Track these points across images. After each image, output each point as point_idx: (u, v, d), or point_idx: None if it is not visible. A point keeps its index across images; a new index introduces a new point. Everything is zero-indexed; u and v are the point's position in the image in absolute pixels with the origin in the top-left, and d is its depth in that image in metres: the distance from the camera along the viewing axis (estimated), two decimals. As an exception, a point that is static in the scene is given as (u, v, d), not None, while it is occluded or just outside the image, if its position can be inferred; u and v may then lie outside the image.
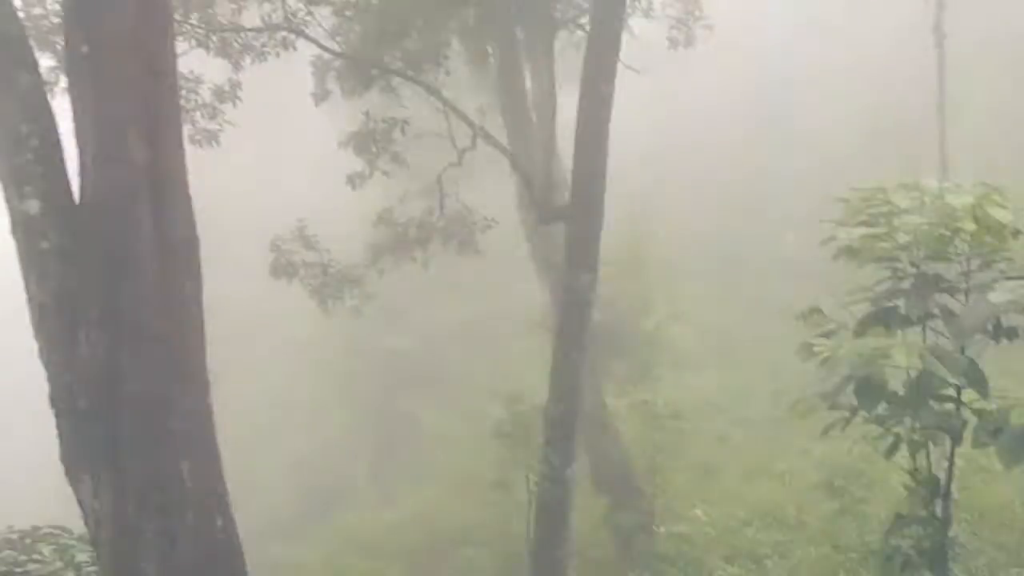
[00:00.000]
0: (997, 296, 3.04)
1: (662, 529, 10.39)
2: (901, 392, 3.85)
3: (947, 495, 4.02)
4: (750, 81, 23.61)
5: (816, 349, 3.67)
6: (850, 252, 3.99)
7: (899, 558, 4.00)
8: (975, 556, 7.13)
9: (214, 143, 10.05)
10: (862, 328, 3.86)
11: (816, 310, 4.10)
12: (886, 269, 3.99)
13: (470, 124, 9.14)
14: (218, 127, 10.05)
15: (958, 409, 3.73)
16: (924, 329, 3.83)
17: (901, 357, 3.19)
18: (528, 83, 10.84)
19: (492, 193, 13.28)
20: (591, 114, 7.97)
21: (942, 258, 3.79)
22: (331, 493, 19.81)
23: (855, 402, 3.70)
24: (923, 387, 3.47)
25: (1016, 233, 3.71)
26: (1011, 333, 3.66)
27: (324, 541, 16.59)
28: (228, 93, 9.89)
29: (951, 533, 4.17)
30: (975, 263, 3.79)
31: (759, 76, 23.50)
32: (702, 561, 10.14)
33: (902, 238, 3.82)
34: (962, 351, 3.70)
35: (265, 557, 14.25)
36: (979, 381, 3.38)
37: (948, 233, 3.67)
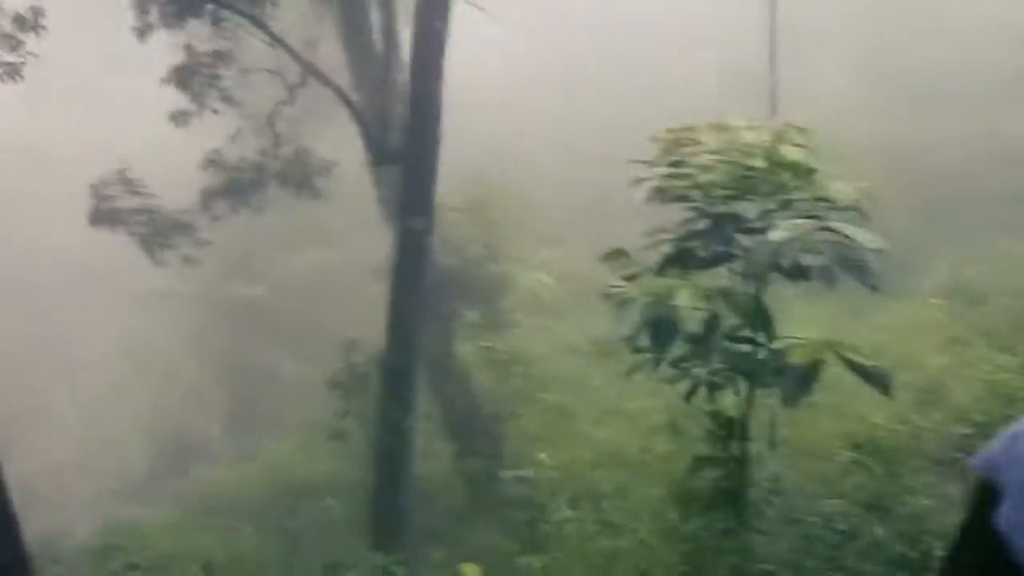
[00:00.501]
0: (777, 234, 2.95)
1: (507, 474, 10.37)
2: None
3: (745, 436, 4.01)
4: (611, 19, 23.60)
5: (611, 292, 3.55)
6: (658, 193, 3.88)
7: (699, 500, 4.00)
8: (789, 493, 7.36)
9: (17, 77, 9.10)
10: (661, 270, 3.76)
11: (620, 252, 3.98)
12: (691, 209, 3.90)
13: (297, 58, 8.60)
14: (20, 60, 9.10)
15: (755, 350, 3.70)
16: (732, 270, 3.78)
17: (684, 298, 3.10)
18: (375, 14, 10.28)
19: (342, 134, 12.80)
20: (424, 52, 7.62)
21: (741, 197, 3.72)
22: (186, 449, 19.06)
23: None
24: (712, 328, 3.40)
25: (809, 172, 3.67)
26: (802, 273, 3.64)
27: (179, 499, 15.99)
28: (29, 22, 8.95)
29: (758, 473, 4.19)
30: (776, 202, 3.75)
31: (620, 14, 23.52)
32: (546, 505, 10.20)
33: (702, 177, 3.73)
34: (756, 292, 3.67)
35: (117, 520, 13.56)
36: (765, 322, 3.33)
37: (742, 171, 3.59)
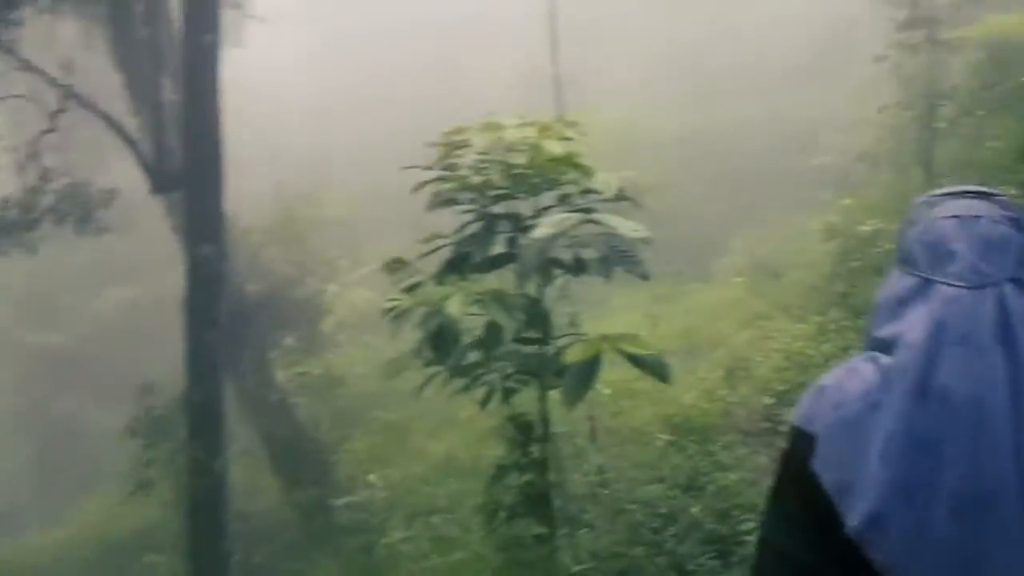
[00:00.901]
0: (540, 231, 2.86)
1: (339, 501, 10.01)
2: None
3: (546, 437, 3.91)
4: (420, 24, 23.52)
5: (387, 305, 3.35)
6: (436, 197, 3.72)
7: (503, 510, 3.87)
8: (615, 483, 7.45)
9: None
10: (441, 277, 3.61)
11: (399, 261, 3.80)
12: (468, 212, 3.78)
13: (53, 83, 7.88)
14: None
15: (538, 350, 3.61)
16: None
17: (454, 305, 2.95)
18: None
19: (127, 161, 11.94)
20: (195, 68, 7.16)
21: (514, 196, 3.62)
22: (-11, 520, 17.35)
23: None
24: (494, 333, 3.28)
25: (577, 165, 3.62)
26: (581, 267, 3.58)
27: (-14, 580, 14.42)
28: None
29: (553, 477, 4.11)
30: (553, 199, 3.69)
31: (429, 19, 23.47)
32: (383, 527, 9.91)
33: (474, 179, 3.61)
34: (538, 290, 3.58)
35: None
36: (541, 321, 3.24)
37: (511, 169, 3.50)
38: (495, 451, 9.60)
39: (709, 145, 19.39)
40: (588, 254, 3.35)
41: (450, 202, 3.50)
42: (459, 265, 3.54)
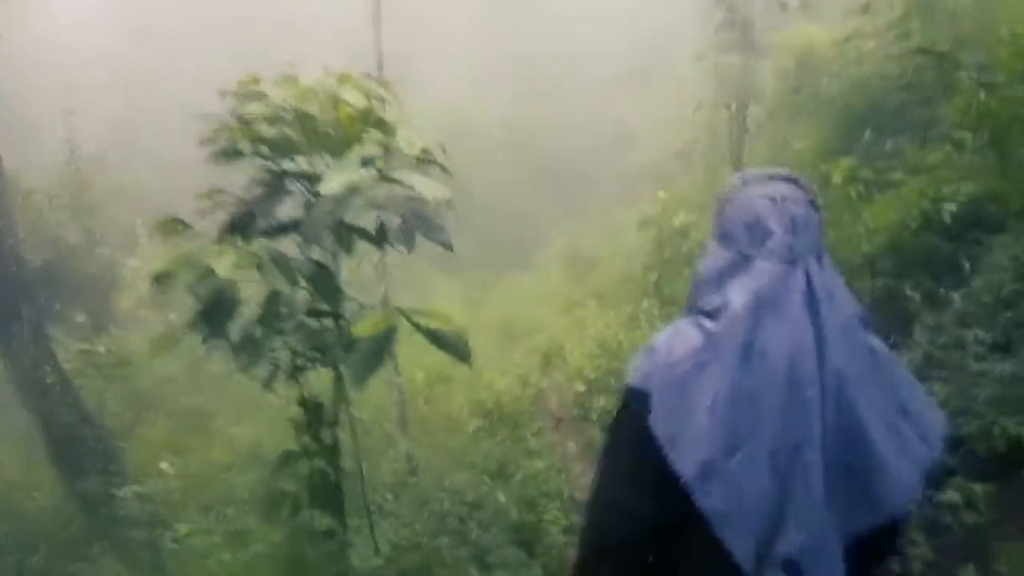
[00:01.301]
0: (328, 187, 2.53)
1: (124, 492, 9.14)
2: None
3: (337, 421, 3.57)
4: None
5: (152, 267, 2.91)
6: (223, 154, 3.28)
7: (287, 501, 3.50)
8: (424, 471, 7.20)
9: None
10: (221, 240, 3.19)
11: (174, 221, 3.33)
12: (263, 170, 3.36)
13: None
14: None
15: (338, 324, 3.27)
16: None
17: (224, 268, 2.57)
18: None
19: None
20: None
21: (306, 152, 3.24)
22: None
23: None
24: (274, 304, 2.92)
25: (381, 122, 3.30)
26: (381, 235, 3.27)
27: None
28: None
29: (349, 465, 3.78)
30: (356, 159, 3.34)
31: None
32: (175, 518, 9.17)
33: (266, 132, 3.20)
34: (330, 259, 3.24)
35: None
36: (330, 291, 2.91)
37: (308, 123, 3.13)
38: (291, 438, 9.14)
39: (533, 140, 19.56)
40: (388, 219, 3.05)
41: (235, 155, 3.09)
42: (243, 228, 3.13)
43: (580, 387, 8.28)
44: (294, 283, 2.68)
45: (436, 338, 2.74)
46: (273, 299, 2.85)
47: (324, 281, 2.90)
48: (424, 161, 3.36)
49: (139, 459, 10.79)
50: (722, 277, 1.56)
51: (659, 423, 1.43)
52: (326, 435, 3.50)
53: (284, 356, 3.43)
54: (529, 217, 17.59)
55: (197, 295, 2.82)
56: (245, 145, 3.02)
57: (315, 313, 3.14)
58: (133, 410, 11.86)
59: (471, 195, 18.62)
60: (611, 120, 18.32)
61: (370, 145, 3.07)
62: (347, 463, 4.17)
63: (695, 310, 1.57)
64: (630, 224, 12.01)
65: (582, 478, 6.44)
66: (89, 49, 21.82)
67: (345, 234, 3.31)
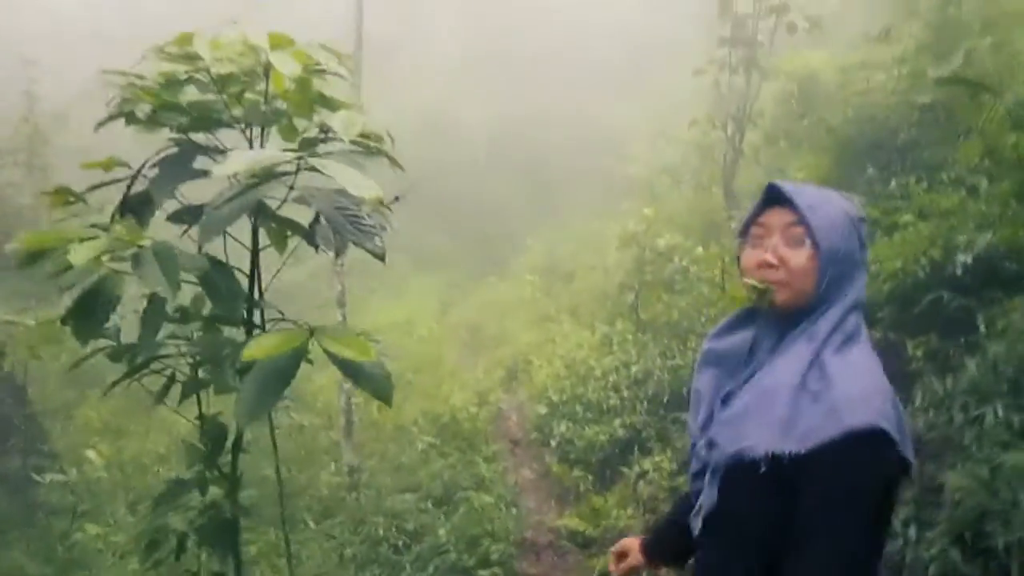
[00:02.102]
0: (225, 167, 1.97)
1: (46, 477, 8.50)
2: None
3: (239, 447, 3.00)
4: None
5: (10, 246, 2.34)
6: (127, 118, 2.69)
7: (171, 540, 2.92)
8: (366, 487, 6.63)
9: None
10: (113, 221, 2.62)
11: (65, 191, 2.77)
12: (174, 142, 2.79)
13: None
14: None
15: (217, 337, 2.72)
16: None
17: (79, 255, 2.02)
18: None
19: None
20: None
21: (220, 124, 2.67)
22: None
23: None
24: (155, 305, 2.35)
25: (321, 98, 2.75)
26: (305, 232, 2.72)
27: None
28: None
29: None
30: (289, 137, 2.77)
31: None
32: (100, 510, 8.53)
33: (176, 96, 2.64)
34: (254, 254, 2.69)
35: None
36: (225, 295, 2.35)
37: (218, 85, 2.57)
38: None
39: (518, 139, 19.03)
40: (311, 215, 2.50)
41: (133, 120, 2.52)
42: (140, 208, 2.56)
43: (542, 409, 7.73)
44: (172, 282, 2.11)
45: (352, 372, 2.19)
46: (157, 301, 2.28)
47: (219, 282, 2.33)
48: (372, 151, 2.80)
49: (71, 442, 10.15)
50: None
51: (906, 450, 1.49)
52: (226, 462, 2.93)
53: (179, 365, 2.88)
54: (510, 220, 17.06)
55: (61, 286, 2.25)
56: (142, 108, 2.44)
57: (217, 321, 2.58)
58: (76, 387, 11.20)
59: (453, 193, 18.16)
60: (601, 127, 17.84)
61: (303, 123, 2.51)
62: (257, 491, 3.63)
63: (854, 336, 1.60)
64: (611, 238, 11.53)
65: (533, 516, 5.90)
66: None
67: (274, 228, 2.76)
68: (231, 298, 2.36)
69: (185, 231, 2.74)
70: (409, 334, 11.57)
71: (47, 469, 9.27)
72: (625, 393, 7.02)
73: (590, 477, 6.17)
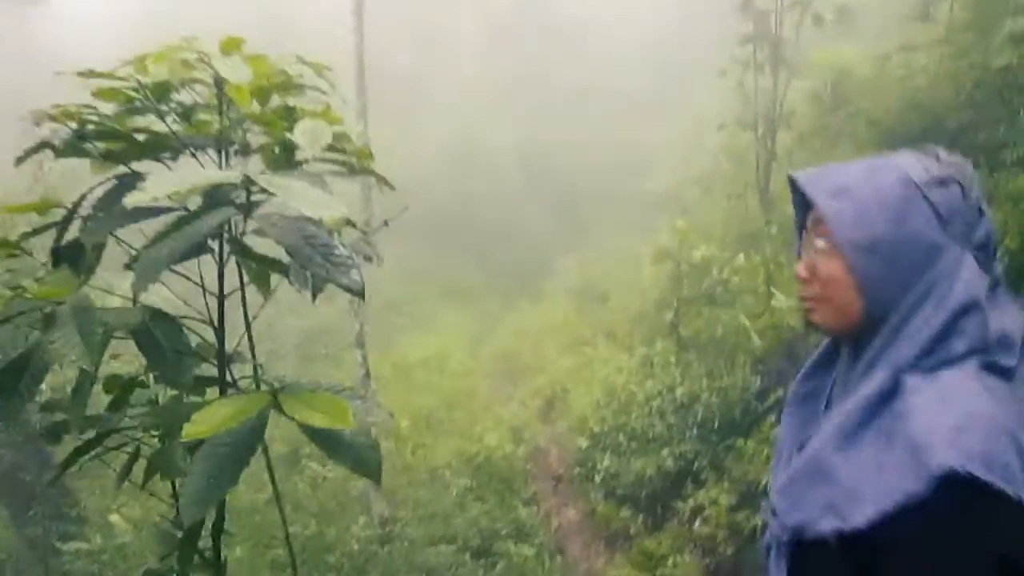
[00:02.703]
0: (136, 195, 1.53)
1: (68, 547, 8.14)
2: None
3: (219, 528, 2.55)
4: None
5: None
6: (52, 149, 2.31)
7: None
8: (399, 539, 6.16)
9: None
10: (49, 275, 2.22)
11: (3, 242, 2.36)
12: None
13: None
14: None
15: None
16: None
17: None
18: None
19: None
20: None
21: (178, 148, 2.25)
22: None
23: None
24: (84, 375, 1.92)
25: (286, 111, 2.33)
26: (279, 267, 2.30)
27: None
28: None
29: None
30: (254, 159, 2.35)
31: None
32: (124, 577, 8.15)
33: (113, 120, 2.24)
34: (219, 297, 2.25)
35: None
36: (171, 353, 1.91)
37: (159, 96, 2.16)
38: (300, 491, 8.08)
39: (547, 164, 18.72)
40: (278, 248, 2.05)
41: (75, 152, 2.12)
42: (74, 258, 2.14)
43: (583, 442, 7.21)
44: (92, 345, 1.67)
45: (326, 444, 1.73)
46: (84, 370, 1.84)
47: (160, 338, 1.89)
48: (359, 170, 2.37)
49: (98, 505, 9.81)
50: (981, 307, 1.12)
51: None
52: (207, 548, 2.47)
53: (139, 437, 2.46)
54: (540, 244, 16.65)
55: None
56: (61, 136, 2.03)
57: (166, 384, 2.14)
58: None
59: (482, 221, 17.81)
60: (629, 147, 17.42)
61: (254, 137, 2.08)
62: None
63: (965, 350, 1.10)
64: (644, 255, 11.04)
65: (580, 565, 5.38)
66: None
67: (244, 262, 2.33)
68: (175, 358, 1.91)
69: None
70: (440, 369, 11.13)
71: (73, 535, 8.93)
72: (671, 419, 6.50)
73: (640, 516, 5.64)
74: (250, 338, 2.57)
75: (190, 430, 1.61)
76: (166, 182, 1.61)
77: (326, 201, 1.69)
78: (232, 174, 1.73)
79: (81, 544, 8.02)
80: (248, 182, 1.70)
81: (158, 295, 2.29)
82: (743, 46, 9.38)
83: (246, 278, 2.42)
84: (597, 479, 6.51)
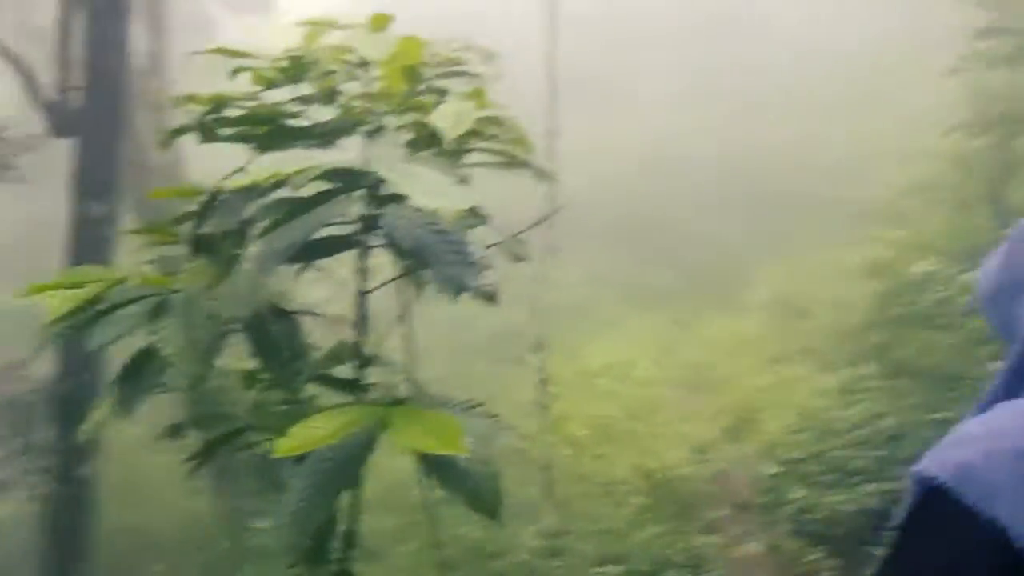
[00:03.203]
0: (233, 181, 1.36)
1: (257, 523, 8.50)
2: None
3: (350, 541, 2.42)
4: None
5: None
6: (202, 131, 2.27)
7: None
8: (568, 553, 5.90)
9: None
10: (191, 259, 2.15)
11: (156, 225, 2.36)
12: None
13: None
14: None
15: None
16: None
17: (54, 304, 1.50)
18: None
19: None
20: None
21: (318, 135, 2.11)
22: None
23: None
24: (147, 358, 1.80)
25: (434, 91, 2.15)
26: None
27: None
28: None
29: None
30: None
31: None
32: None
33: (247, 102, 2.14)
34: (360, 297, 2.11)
35: None
36: (284, 351, 1.74)
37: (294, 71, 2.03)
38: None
39: (744, 169, 17.82)
40: (401, 248, 1.85)
41: (209, 136, 2.03)
42: (211, 245, 2.03)
43: (772, 468, 6.64)
44: (195, 340, 1.52)
45: (439, 471, 1.48)
46: (148, 357, 1.71)
47: (275, 335, 1.72)
48: (510, 161, 2.15)
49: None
50: None
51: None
52: (336, 561, 2.32)
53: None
54: (736, 251, 15.84)
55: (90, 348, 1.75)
56: (203, 120, 1.92)
57: (268, 384, 1.98)
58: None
59: (675, 227, 17.26)
60: (835, 152, 16.25)
61: (388, 120, 1.88)
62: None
63: None
64: (852, 269, 10.14)
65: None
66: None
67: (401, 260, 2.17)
68: (289, 357, 1.74)
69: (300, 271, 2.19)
70: (625, 378, 10.78)
71: (264, 512, 9.35)
72: (876, 453, 5.82)
73: (833, 558, 5.06)
74: (402, 339, 2.41)
75: (283, 445, 1.42)
76: (264, 167, 1.43)
77: (448, 190, 1.44)
78: (344, 159, 1.52)
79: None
80: (363, 168, 1.48)
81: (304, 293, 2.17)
82: (981, 40, 8.37)
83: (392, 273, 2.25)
84: (785, 511, 5.94)
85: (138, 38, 7.23)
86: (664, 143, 18.75)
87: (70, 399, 6.20)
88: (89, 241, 6.11)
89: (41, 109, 6.60)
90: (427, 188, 1.40)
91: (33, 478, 6.31)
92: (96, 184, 6.07)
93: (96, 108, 6.02)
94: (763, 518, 6.31)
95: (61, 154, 7.75)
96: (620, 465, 7.74)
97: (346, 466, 1.50)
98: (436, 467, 1.51)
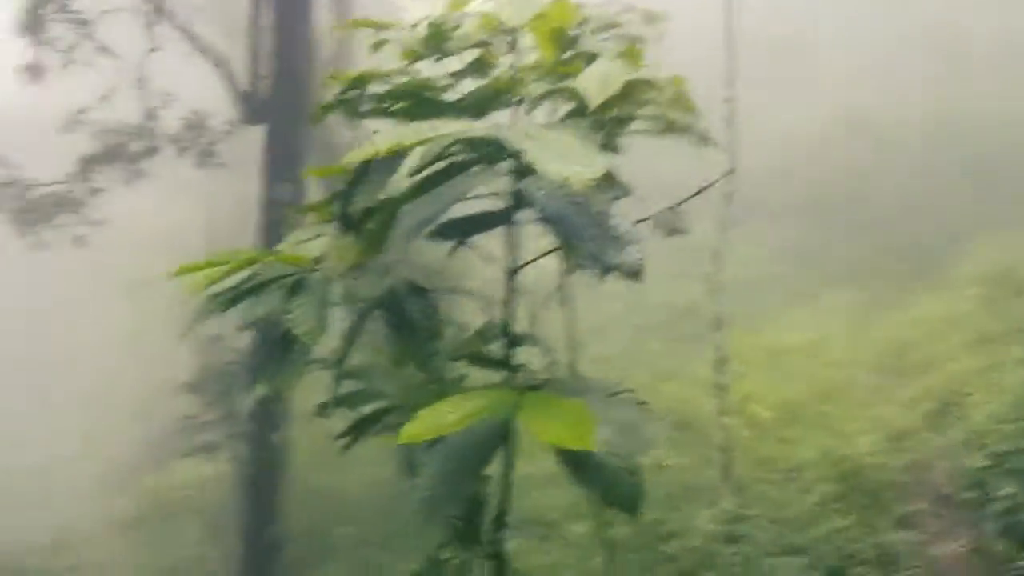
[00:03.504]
0: (363, 150, 1.31)
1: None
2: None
3: (500, 521, 2.38)
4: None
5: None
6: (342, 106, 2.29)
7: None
8: (748, 539, 5.64)
9: None
10: (342, 235, 2.15)
11: (315, 203, 2.42)
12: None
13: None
14: None
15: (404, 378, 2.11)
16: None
17: (205, 280, 1.52)
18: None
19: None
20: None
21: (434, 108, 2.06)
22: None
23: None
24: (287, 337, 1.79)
25: (584, 57, 2.05)
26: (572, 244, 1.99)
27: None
28: None
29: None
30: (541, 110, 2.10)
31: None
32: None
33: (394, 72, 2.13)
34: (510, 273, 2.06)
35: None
36: (420, 328, 1.68)
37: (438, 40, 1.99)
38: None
39: (957, 133, 16.32)
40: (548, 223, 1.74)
41: (351, 111, 2.02)
42: (354, 222, 2.02)
43: (979, 460, 6.03)
44: (321, 319, 1.49)
45: (573, 464, 1.38)
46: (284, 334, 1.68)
47: (410, 312, 1.67)
48: (669, 126, 2.00)
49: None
50: None
51: None
52: (485, 543, 2.28)
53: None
54: (945, 224, 14.59)
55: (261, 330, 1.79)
56: (346, 95, 1.90)
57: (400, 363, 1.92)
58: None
59: (878, 197, 16.12)
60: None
61: (534, 88, 1.78)
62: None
63: None
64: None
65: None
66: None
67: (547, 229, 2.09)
68: (425, 336, 1.68)
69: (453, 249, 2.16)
70: (816, 356, 10.21)
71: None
72: (1105, 449, 5.15)
73: (1049, 564, 4.53)
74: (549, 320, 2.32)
75: (409, 430, 1.36)
76: (392, 136, 1.37)
77: (579, 157, 1.32)
78: (475, 127, 1.43)
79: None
80: (494, 136, 1.39)
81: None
82: None
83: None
84: (992, 509, 5.39)
85: (326, 25, 7.51)
86: (861, 111, 17.55)
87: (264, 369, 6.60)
88: (278, 220, 6.45)
89: (235, 99, 7.01)
90: (556, 155, 1.29)
91: (234, 442, 6.77)
92: (283, 167, 6.39)
93: (283, 96, 6.32)
94: (966, 515, 5.75)
95: (255, 140, 8.25)
96: (807, 450, 7.32)
97: (476, 454, 1.43)
98: (570, 458, 1.41)
